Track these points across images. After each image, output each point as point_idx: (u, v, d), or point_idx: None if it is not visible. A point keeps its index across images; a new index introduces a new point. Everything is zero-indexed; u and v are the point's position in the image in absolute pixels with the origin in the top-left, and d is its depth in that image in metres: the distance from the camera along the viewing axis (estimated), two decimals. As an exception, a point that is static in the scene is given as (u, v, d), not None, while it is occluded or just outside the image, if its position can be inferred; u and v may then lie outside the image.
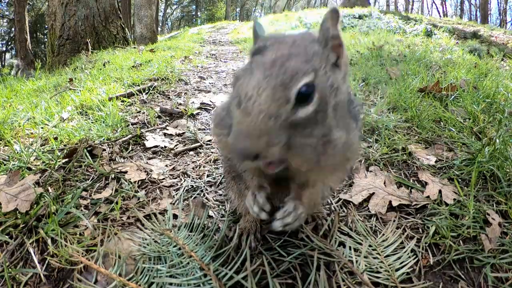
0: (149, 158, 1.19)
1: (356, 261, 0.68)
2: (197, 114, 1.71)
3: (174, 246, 0.73)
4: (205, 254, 0.70)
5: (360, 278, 0.64)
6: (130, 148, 1.27)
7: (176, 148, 1.29)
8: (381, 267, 0.67)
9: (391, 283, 0.63)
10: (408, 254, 0.70)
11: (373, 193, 0.92)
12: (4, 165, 1.06)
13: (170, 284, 0.64)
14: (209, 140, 1.34)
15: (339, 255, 0.68)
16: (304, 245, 0.72)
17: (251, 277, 0.62)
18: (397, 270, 0.67)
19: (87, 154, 1.15)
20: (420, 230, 0.78)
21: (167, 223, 0.81)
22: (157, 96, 2.03)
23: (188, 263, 0.69)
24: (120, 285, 0.63)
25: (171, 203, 0.91)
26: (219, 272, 0.66)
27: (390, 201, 0.88)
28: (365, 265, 0.67)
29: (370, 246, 0.73)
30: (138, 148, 1.28)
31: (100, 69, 3.16)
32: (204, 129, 1.51)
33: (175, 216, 0.84)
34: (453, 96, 1.65)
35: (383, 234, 0.76)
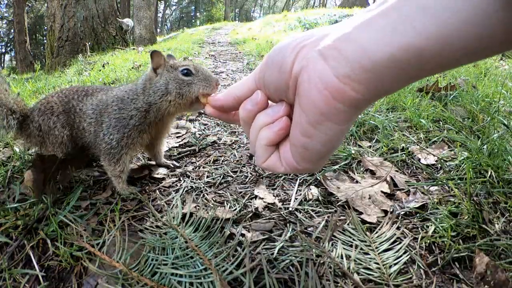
0: (149, 159, 1.19)
1: (349, 258, 0.68)
2: (197, 114, 1.72)
3: (180, 240, 0.74)
4: (208, 249, 0.72)
5: (351, 278, 0.64)
6: (129, 149, 1.27)
7: (176, 149, 1.29)
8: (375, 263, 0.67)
9: (383, 280, 0.63)
10: (404, 249, 0.71)
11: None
12: (5, 166, 1.06)
13: (172, 274, 0.65)
14: (209, 141, 1.34)
15: (330, 256, 0.69)
16: (297, 246, 0.72)
17: (249, 272, 0.63)
18: (390, 266, 0.67)
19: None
20: (419, 228, 0.78)
21: (176, 219, 0.82)
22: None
23: (192, 257, 0.69)
24: (123, 274, 0.63)
25: (176, 203, 0.91)
26: (220, 266, 0.67)
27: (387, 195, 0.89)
28: (358, 263, 0.68)
29: (363, 241, 0.74)
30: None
31: (99, 70, 3.16)
32: (204, 130, 1.51)
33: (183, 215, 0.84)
34: (452, 96, 1.65)
35: (379, 230, 0.77)
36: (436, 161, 1.08)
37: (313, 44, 0.35)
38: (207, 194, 0.96)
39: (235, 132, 1.47)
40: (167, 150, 1.27)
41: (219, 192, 0.98)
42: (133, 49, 5.38)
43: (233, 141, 1.35)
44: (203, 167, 1.13)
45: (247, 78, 0.46)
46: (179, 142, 1.36)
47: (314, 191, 0.94)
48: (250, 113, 0.44)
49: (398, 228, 0.78)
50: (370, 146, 1.23)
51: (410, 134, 1.29)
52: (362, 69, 0.30)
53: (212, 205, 0.90)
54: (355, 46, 0.30)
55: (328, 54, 0.33)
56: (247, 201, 0.92)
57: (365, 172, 1.05)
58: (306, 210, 0.87)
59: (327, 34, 0.35)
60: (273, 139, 0.42)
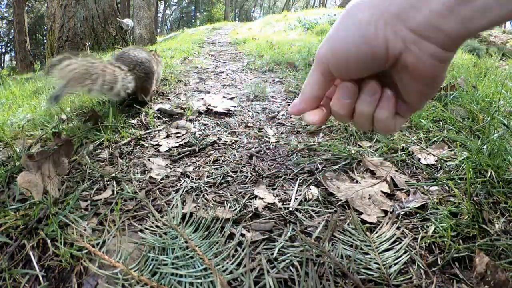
0: (148, 159, 1.19)
1: (349, 258, 0.68)
2: (197, 114, 1.71)
3: (180, 240, 0.74)
4: (208, 249, 0.72)
5: (351, 278, 0.64)
6: (129, 149, 1.27)
7: (176, 149, 1.29)
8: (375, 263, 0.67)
9: (383, 280, 0.63)
10: (404, 249, 0.71)
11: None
12: (5, 166, 1.06)
13: (172, 274, 0.65)
14: (209, 141, 1.34)
15: (330, 256, 0.69)
16: (297, 247, 0.72)
17: (249, 272, 0.63)
18: (390, 266, 0.67)
19: (87, 156, 1.15)
20: (419, 228, 0.78)
21: (175, 220, 0.82)
22: (157, 97, 2.03)
23: (192, 257, 0.70)
24: (123, 274, 0.63)
25: (175, 202, 0.91)
26: (220, 266, 0.67)
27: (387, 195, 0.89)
28: (358, 263, 0.68)
29: (363, 241, 0.74)
30: (137, 149, 1.29)
31: (100, 70, 3.16)
32: (204, 130, 1.51)
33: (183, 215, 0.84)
34: (452, 96, 1.65)
35: (379, 230, 0.77)
36: (436, 161, 1.08)
37: (394, 22, 0.36)
38: (207, 194, 0.96)
39: (235, 132, 1.47)
40: (167, 150, 1.27)
41: (219, 192, 0.98)
42: (133, 49, 5.38)
43: (233, 141, 1.35)
44: (203, 167, 1.13)
45: (316, 78, 0.45)
46: (179, 142, 1.36)
47: (314, 191, 0.94)
48: (350, 105, 0.45)
49: (398, 228, 0.78)
50: (370, 146, 1.23)
51: (410, 134, 1.29)
52: (462, 39, 0.35)
53: (212, 205, 0.90)
54: (454, 23, 0.34)
55: (428, 34, 0.36)
56: (247, 201, 0.92)
57: (365, 172, 1.05)
58: (306, 210, 0.87)
59: (401, 6, 0.36)
60: (392, 116, 0.44)
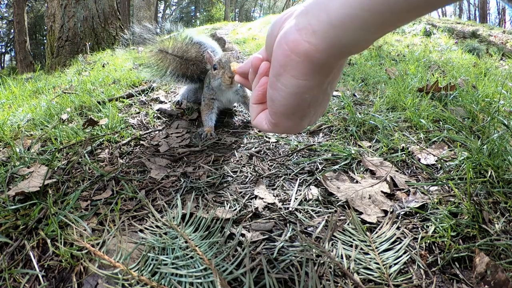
0: (148, 159, 1.19)
1: (349, 258, 0.68)
2: (197, 114, 1.71)
3: (180, 240, 0.74)
4: (208, 249, 0.72)
5: (351, 278, 0.64)
6: (129, 149, 1.27)
7: (176, 149, 1.29)
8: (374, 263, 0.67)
9: (383, 280, 0.63)
10: (404, 249, 0.71)
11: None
12: (5, 166, 1.06)
13: (172, 274, 0.65)
14: (209, 141, 1.34)
15: (330, 256, 0.69)
16: (297, 247, 0.72)
17: (249, 272, 0.63)
18: (390, 266, 0.67)
19: (87, 156, 1.15)
20: (419, 228, 0.78)
21: (175, 220, 0.82)
22: (157, 97, 2.03)
23: (192, 257, 0.69)
24: (123, 274, 0.63)
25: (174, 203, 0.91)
26: (220, 266, 0.67)
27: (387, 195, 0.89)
28: (358, 263, 0.68)
29: (363, 241, 0.74)
30: (137, 149, 1.29)
31: (100, 70, 3.16)
32: (204, 130, 1.51)
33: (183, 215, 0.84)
34: (452, 96, 1.65)
35: (379, 230, 0.77)
36: (436, 161, 1.08)
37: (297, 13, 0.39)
38: (207, 194, 0.96)
39: (235, 132, 1.47)
40: (167, 150, 1.27)
41: (219, 192, 0.98)
42: (133, 49, 5.38)
43: (233, 141, 1.35)
44: (203, 167, 1.13)
45: (262, 49, 0.50)
46: (179, 142, 1.36)
47: (314, 191, 0.94)
48: (251, 75, 0.49)
49: (398, 228, 0.78)
50: (370, 146, 1.23)
51: (410, 134, 1.29)
52: (318, 20, 0.33)
53: (212, 205, 0.90)
54: (316, 0, 0.34)
55: (299, 14, 0.37)
56: (247, 201, 0.92)
57: (365, 172, 1.05)
58: (306, 210, 0.87)
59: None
60: (255, 96, 0.46)
